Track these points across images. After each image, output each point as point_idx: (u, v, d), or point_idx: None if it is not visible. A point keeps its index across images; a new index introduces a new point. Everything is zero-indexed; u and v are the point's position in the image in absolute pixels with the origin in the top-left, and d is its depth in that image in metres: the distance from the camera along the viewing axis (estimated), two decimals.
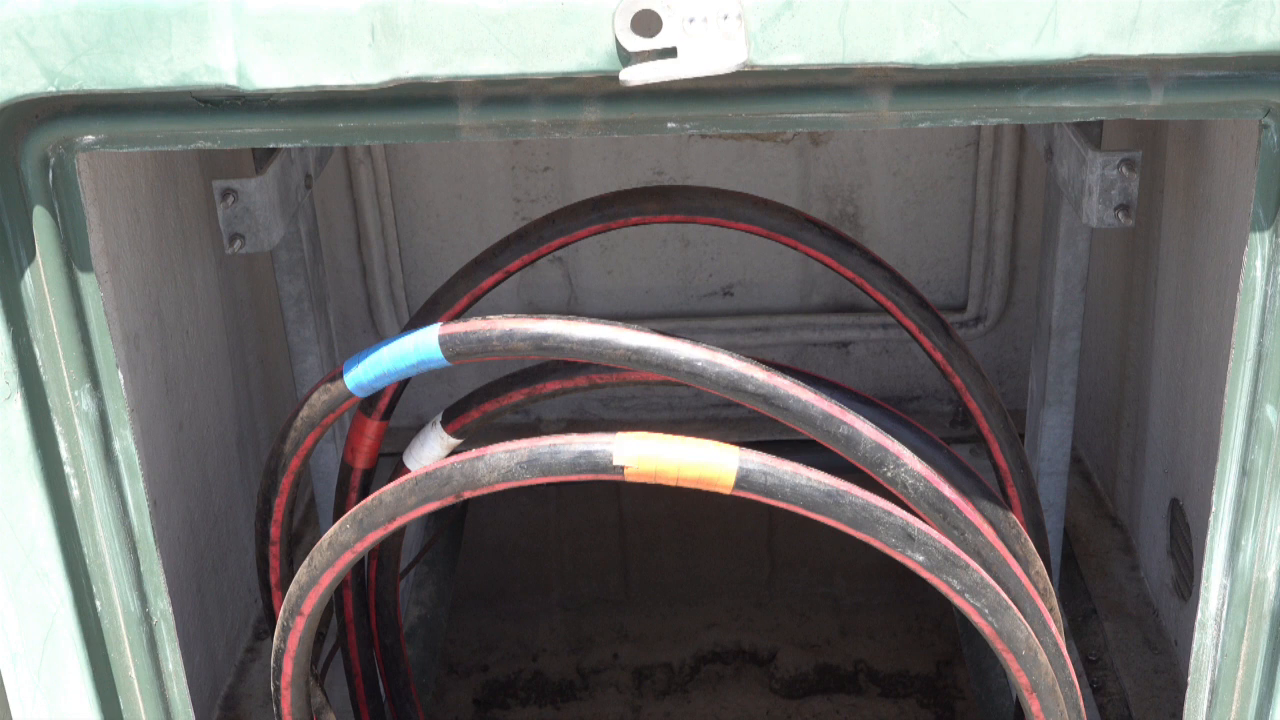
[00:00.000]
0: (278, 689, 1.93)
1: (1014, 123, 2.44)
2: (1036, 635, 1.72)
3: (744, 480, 1.60)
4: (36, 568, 1.61)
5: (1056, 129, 2.40)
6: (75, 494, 1.61)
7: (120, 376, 1.59)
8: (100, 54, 1.34)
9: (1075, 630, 2.78)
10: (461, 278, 1.94)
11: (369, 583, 2.30)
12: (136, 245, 2.26)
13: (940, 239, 3.35)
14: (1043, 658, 1.71)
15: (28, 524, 1.59)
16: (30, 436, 1.54)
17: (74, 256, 1.51)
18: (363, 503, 1.72)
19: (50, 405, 1.56)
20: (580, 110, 1.44)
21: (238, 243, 2.26)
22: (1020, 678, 1.71)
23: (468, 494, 1.64)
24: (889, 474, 1.65)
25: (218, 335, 2.70)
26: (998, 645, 1.68)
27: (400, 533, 2.26)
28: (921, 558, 1.62)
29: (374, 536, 1.71)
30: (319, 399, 1.82)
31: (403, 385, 1.97)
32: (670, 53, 1.33)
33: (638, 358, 1.62)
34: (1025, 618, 1.71)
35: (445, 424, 1.91)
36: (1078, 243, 2.49)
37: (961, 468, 1.84)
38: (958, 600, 1.65)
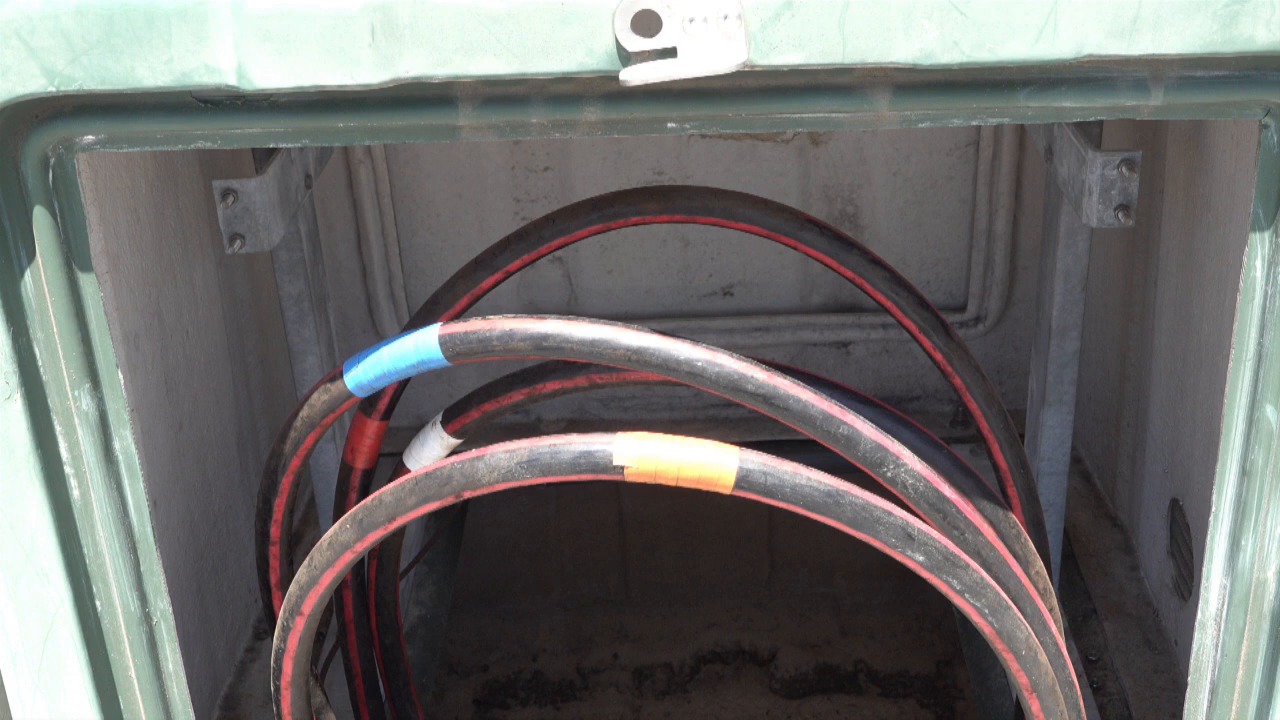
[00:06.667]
0: (278, 689, 1.93)
1: (1014, 123, 2.44)
2: (1036, 635, 1.72)
3: (744, 480, 1.59)
4: (36, 568, 1.61)
5: (1056, 129, 2.40)
6: (75, 494, 1.61)
7: (120, 376, 1.59)
8: (100, 54, 1.34)
9: (1075, 630, 2.78)
10: (461, 278, 1.94)
11: (369, 583, 2.30)
12: (136, 245, 2.26)
13: (940, 239, 3.35)
14: (1043, 658, 1.71)
15: (28, 524, 1.59)
16: (30, 436, 1.54)
17: (74, 256, 1.51)
18: (363, 503, 1.72)
19: (50, 405, 1.56)
20: (580, 110, 1.44)
21: (238, 243, 2.27)
22: (1020, 678, 1.71)
23: (468, 494, 1.64)
24: (889, 474, 1.65)
25: (218, 335, 2.70)
26: (998, 645, 1.68)
27: (400, 533, 2.26)
28: (921, 558, 1.62)
29: (374, 536, 1.71)
30: (319, 399, 1.82)
31: (403, 385, 1.97)
32: (670, 53, 1.33)
33: (638, 358, 1.62)
34: (1025, 618, 1.71)
35: (445, 424, 1.91)
36: (1078, 243, 2.49)
37: (961, 468, 1.84)
38: (958, 600, 1.65)
